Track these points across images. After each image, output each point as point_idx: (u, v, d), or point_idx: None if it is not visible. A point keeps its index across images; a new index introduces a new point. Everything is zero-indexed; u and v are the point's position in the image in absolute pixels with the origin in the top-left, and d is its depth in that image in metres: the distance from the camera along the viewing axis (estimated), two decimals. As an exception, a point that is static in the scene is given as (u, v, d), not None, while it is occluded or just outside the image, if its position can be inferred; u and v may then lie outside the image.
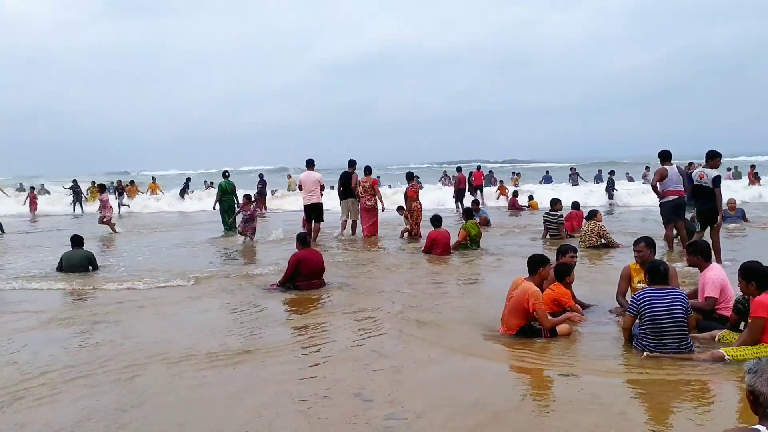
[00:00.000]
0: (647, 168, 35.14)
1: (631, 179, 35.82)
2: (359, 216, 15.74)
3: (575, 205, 15.75)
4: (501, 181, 33.08)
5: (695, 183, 10.62)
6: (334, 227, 16.33)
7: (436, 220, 12.68)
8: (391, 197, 23.44)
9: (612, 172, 30.84)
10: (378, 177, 15.78)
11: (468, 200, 23.30)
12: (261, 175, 28.64)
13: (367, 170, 15.96)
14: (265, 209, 26.61)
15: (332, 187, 28.26)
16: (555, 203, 14.58)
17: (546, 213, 14.55)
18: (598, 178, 36.16)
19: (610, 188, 29.39)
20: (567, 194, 24.17)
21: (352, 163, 16.16)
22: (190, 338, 6.62)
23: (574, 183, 33.90)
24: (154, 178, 37.03)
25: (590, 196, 27.76)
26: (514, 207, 23.66)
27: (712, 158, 10.45)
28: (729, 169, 34.79)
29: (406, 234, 15.08)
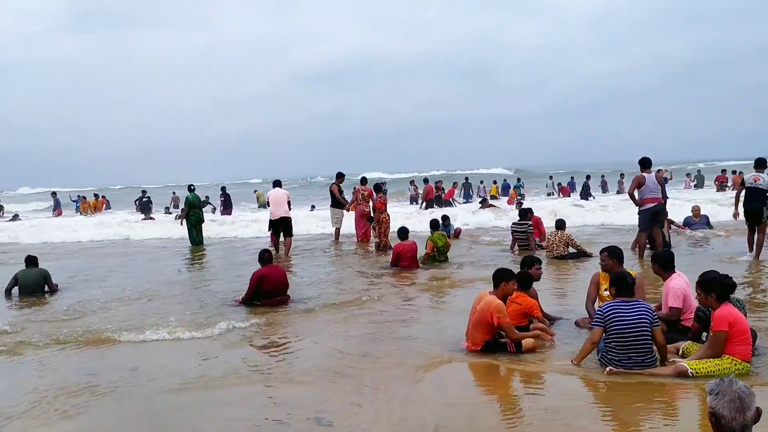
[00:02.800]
0: (622, 175, 35.54)
1: (603, 187, 35.97)
2: (355, 222, 16.67)
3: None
4: (515, 186, 32.88)
5: (747, 185, 11.26)
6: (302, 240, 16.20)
7: (403, 233, 12.54)
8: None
9: (588, 177, 31.12)
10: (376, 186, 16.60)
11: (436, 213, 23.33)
12: (223, 189, 28.58)
13: (363, 180, 17.19)
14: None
15: (312, 207, 28.69)
16: (525, 213, 14.49)
17: (514, 223, 14.44)
18: (572, 186, 36.47)
19: (586, 194, 29.64)
20: (543, 203, 24.15)
21: (339, 175, 17.24)
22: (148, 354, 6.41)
23: (549, 194, 34.11)
24: (96, 195, 36.72)
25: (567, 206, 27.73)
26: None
27: (762, 165, 11.17)
28: (688, 175, 35.23)
29: (374, 246, 15.06)
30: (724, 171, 32.17)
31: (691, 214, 16.76)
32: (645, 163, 11.83)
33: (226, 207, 27.92)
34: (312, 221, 20.99)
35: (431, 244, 12.41)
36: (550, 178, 38.42)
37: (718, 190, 29.41)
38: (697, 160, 67.31)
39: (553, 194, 33.94)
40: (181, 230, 18.30)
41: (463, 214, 21.32)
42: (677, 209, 17.82)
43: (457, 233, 17.03)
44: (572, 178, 38.82)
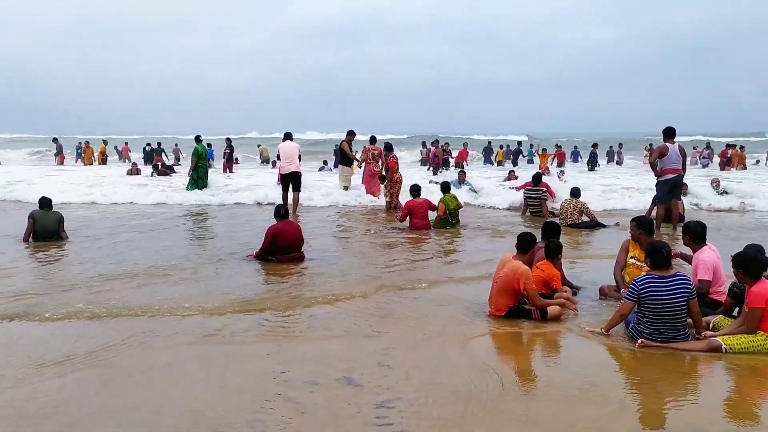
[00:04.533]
0: (621, 145, 35.21)
1: (610, 156, 34.99)
2: (364, 181, 16.70)
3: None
4: (544, 149, 30.51)
5: None
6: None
7: (415, 190, 12.41)
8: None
9: (595, 145, 30.83)
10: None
11: (445, 176, 23.18)
12: (228, 140, 28.26)
13: (372, 140, 17.07)
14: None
15: (324, 162, 28.75)
16: (538, 178, 14.36)
17: (527, 189, 14.33)
18: (575, 156, 36.26)
19: (593, 162, 29.41)
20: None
21: (350, 133, 17.12)
22: (162, 311, 6.30)
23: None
24: (105, 141, 35.83)
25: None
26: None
27: None
28: (695, 148, 34.76)
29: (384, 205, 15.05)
30: (728, 146, 31.70)
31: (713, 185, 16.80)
32: (669, 133, 11.60)
33: (229, 161, 27.63)
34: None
35: (443, 206, 12.26)
36: (531, 145, 38.19)
37: (723, 168, 28.95)
38: (702, 133, 66.77)
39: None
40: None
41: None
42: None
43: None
44: (575, 147, 38.64)
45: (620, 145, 35.47)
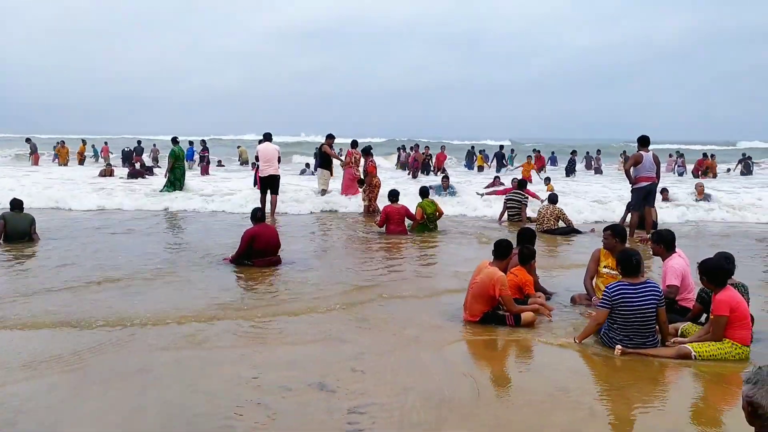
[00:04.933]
0: (599, 152, 35.52)
1: (588, 163, 34.90)
2: (343, 185, 16.54)
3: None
4: (529, 156, 29.08)
5: None
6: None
7: (393, 195, 12.42)
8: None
9: (573, 152, 31.09)
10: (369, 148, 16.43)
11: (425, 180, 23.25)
12: (203, 142, 28.22)
13: (354, 144, 16.87)
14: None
15: (307, 165, 28.37)
16: (524, 185, 14.48)
17: (513, 192, 14.37)
18: (552, 161, 36.53)
19: (571, 168, 29.66)
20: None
21: (330, 136, 17.03)
22: (136, 313, 6.25)
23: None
24: (83, 141, 35.69)
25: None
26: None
27: None
28: (670, 155, 35.17)
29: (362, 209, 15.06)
30: (705, 155, 32.20)
31: (694, 191, 17.07)
32: (644, 142, 11.77)
33: (205, 162, 27.52)
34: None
35: (420, 211, 12.31)
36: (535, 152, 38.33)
37: (698, 176, 29.33)
38: (678, 141, 67.80)
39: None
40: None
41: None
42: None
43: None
44: (553, 153, 38.92)
45: (598, 151, 35.79)
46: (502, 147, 35.07)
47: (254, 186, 16.00)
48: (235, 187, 19.21)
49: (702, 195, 16.92)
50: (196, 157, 29.20)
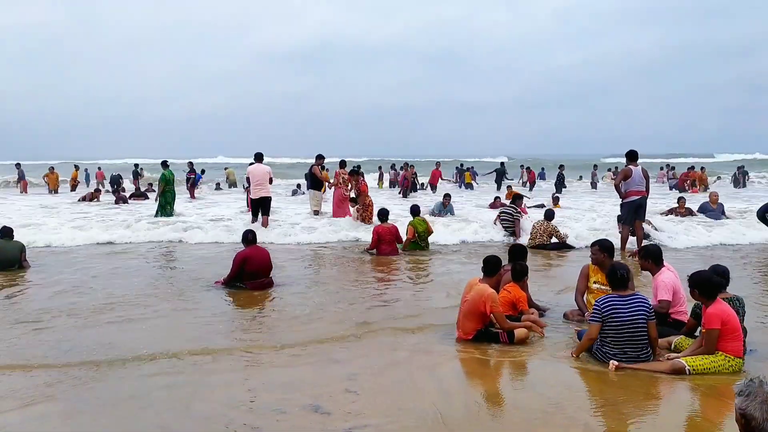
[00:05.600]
0: (614, 169, 35.77)
1: (593, 183, 34.34)
2: (334, 205, 16.48)
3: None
4: (509, 186, 28.51)
5: None
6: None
7: (383, 215, 12.45)
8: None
9: (561, 167, 31.28)
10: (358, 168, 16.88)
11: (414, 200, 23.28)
12: (190, 164, 28.17)
13: (342, 164, 17.33)
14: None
15: (298, 186, 28.70)
16: (517, 198, 14.51)
17: (507, 205, 14.56)
18: (541, 176, 36.79)
19: (560, 184, 29.80)
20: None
21: (320, 157, 17.23)
22: (127, 340, 6.21)
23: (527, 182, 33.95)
24: (76, 167, 35.66)
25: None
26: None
27: None
28: (661, 168, 35.47)
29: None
30: (691, 168, 32.44)
31: (708, 201, 17.10)
32: (632, 156, 11.87)
33: (193, 185, 27.48)
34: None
35: (411, 230, 12.33)
36: (521, 167, 38.63)
37: (684, 189, 29.43)
38: (663, 155, 68.31)
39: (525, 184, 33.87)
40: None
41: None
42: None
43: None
44: (543, 169, 39.25)
45: (595, 166, 36.10)
46: (502, 164, 35.01)
47: (246, 209, 15.91)
48: (220, 213, 18.10)
49: (715, 204, 16.95)
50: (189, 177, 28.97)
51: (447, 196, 17.92)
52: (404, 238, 12.29)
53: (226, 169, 38.16)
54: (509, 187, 27.81)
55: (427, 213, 15.97)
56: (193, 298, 8.19)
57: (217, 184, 34.16)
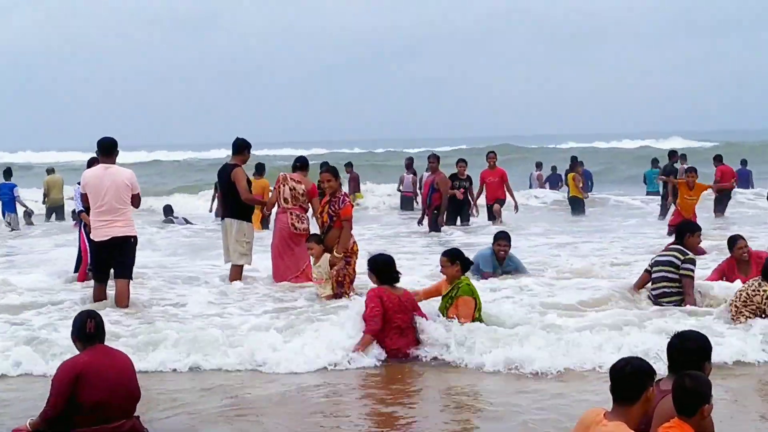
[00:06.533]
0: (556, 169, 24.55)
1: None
2: (274, 245, 9.00)
3: None
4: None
5: None
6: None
7: (385, 271, 5.81)
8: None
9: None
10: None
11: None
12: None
13: (301, 163, 9.18)
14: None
15: (165, 208, 18.47)
16: (686, 232, 7.47)
17: (669, 248, 7.59)
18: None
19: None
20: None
21: (242, 146, 8.97)
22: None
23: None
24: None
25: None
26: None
27: None
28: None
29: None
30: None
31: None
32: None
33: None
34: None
35: (471, 302, 6.12)
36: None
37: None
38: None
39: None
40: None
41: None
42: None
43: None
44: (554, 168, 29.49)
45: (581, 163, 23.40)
46: (555, 168, 24.24)
47: (86, 267, 8.55)
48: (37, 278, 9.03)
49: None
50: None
51: (503, 239, 8.95)
52: (458, 319, 6.13)
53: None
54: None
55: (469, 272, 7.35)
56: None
57: (27, 212, 18.41)
